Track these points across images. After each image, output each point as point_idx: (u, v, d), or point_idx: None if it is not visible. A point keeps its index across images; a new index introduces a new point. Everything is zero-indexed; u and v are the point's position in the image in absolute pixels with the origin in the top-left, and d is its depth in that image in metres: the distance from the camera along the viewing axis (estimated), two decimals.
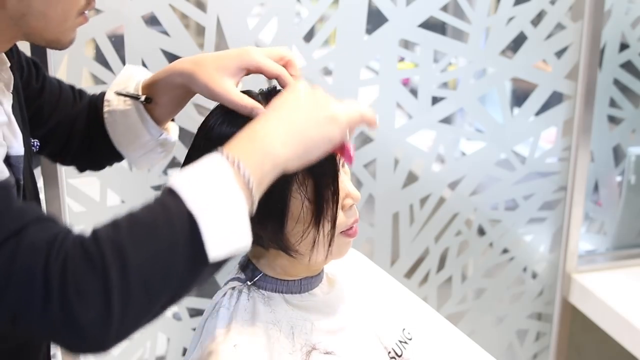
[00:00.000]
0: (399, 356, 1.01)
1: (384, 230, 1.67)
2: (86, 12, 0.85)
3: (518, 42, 1.63)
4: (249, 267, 0.97)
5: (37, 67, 1.04)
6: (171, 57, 1.38)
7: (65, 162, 1.15)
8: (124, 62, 1.37)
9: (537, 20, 1.63)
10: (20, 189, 0.88)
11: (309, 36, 1.48)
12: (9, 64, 0.88)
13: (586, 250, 1.88)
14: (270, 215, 0.88)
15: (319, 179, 0.88)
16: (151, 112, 1.02)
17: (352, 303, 1.01)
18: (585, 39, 1.64)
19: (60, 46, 0.85)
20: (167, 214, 0.68)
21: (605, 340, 1.74)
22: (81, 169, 1.15)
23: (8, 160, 0.85)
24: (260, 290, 0.95)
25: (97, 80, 1.38)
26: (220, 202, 0.69)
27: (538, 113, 1.71)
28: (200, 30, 1.44)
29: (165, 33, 1.38)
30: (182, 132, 1.25)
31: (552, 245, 1.83)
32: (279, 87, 0.93)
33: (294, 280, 0.96)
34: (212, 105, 0.94)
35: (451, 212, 1.71)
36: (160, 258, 0.67)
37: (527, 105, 1.71)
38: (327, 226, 0.90)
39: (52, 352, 1.19)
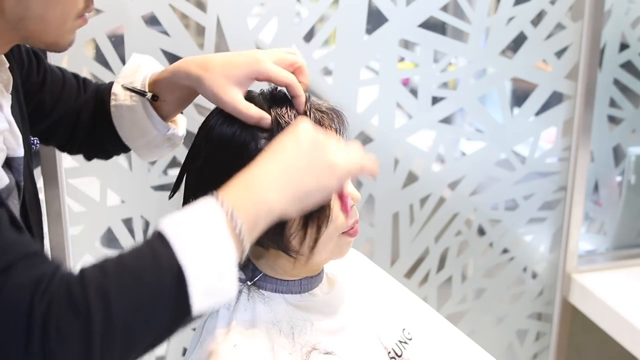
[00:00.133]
0: (399, 356, 1.01)
1: (384, 230, 1.67)
2: (86, 14, 0.84)
3: (518, 42, 1.63)
4: (249, 267, 0.97)
5: (39, 59, 1.03)
6: (171, 57, 1.38)
7: (73, 152, 1.15)
8: (123, 62, 1.36)
9: (537, 20, 1.63)
10: (20, 190, 0.88)
11: (309, 36, 1.48)
12: (7, 65, 0.87)
13: (586, 250, 1.88)
14: None
15: None
16: (158, 109, 1.02)
17: (352, 303, 1.01)
18: (585, 39, 1.64)
19: (59, 49, 0.84)
20: (155, 262, 0.68)
21: (605, 340, 1.74)
22: (88, 158, 1.15)
23: (8, 162, 0.85)
24: (260, 290, 0.95)
25: (97, 80, 1.38)
26: (209, 254, 0.69)
27: (538, 113, 1.71)
28: (200, 30, 1.44)
29: (165, 33, 1.38)
30: None
31: (552, 245, 1.83)
32: (279, 88, 0.93)
33: (294, 281, 0.96)
34: (212, 105, 0.94)
35: (451, 212, 1.71)
36: (144, 307, 0.67)
37: (527, 105, 1.71)
38: (327, 227, 0.90)
39: None
